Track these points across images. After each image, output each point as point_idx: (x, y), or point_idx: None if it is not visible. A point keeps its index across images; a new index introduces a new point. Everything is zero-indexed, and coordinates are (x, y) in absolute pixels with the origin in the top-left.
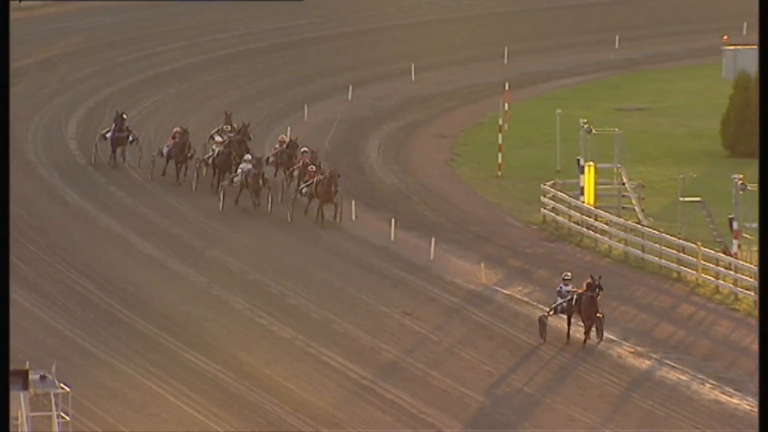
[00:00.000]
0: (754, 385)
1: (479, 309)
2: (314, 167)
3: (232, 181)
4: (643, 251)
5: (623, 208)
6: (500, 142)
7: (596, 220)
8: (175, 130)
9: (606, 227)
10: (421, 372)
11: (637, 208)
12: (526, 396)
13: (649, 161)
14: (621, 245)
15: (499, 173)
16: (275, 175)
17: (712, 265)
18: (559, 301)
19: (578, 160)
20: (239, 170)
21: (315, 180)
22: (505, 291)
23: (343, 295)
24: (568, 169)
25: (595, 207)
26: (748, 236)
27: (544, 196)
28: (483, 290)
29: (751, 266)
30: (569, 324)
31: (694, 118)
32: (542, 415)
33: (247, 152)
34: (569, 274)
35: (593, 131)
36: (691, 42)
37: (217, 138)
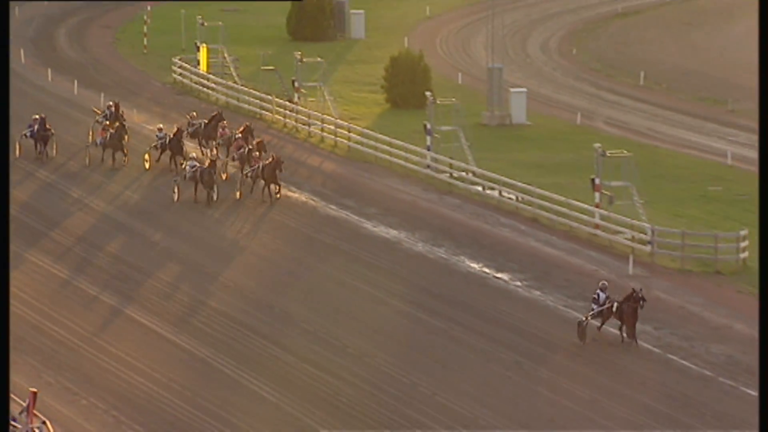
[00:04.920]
0: (309, 185)
1: (133, 137)
2: (258, 153)
3: (184, 177)
4: (239, 101)
5: (225, 73)
6: (145, 31)
7: (208, 81)
8: (105, 123)
9: (214, 86)
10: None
11: (234, 73)
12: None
13: (242, 43)
14: (224, 97)
15: (145, 51)
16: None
17: (281, 110)
18: (597, 308)
19: (196, 42)
20: (188, 167)
21: (260, 165)
22: (149, 126)
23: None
24: (189, 48)
25: (208, 72)
26: (303, 91)
27: (174, 65)
28: (135, 126)
29: (305, 110)
30: (602, 324)
31: (270, 15)
32: (231, 226)
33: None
34: (606, 283)
35: (205, 24)
36: None
37: (159, 126)
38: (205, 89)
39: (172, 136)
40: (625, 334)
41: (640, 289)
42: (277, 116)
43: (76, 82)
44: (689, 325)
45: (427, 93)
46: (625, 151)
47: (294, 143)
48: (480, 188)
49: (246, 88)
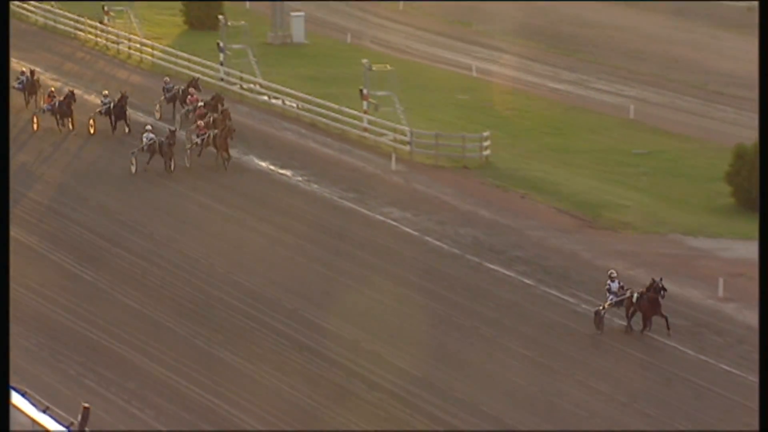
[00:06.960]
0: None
1: None
2: (202, 123)
3: (142, 149)
4: (56, 23)
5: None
6: None
7: (28, 4)
8: (50, 89)
9: (33, 9)
10: None
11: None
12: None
13: None
14: (42, 19)
15: None
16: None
17: (93, 30)
18: (613, 298)
19: None
20: (144, 139)
21: (211, 133)
22: None
23: None
24: None
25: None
26: (112, 14)
27: None
28: None
29: (114, 30)
30: (629, 318)
31: None
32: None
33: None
34: (614, 271)
35: None
36: None
37: (105, 92)
38: (25, 12)
39: (116, 101)
40: (632, 325)
41: (660, 279)
42: (89, 36)
43: None
44: (442, 212)
45: (220, 16)
46: (388, 66)
47: (105, 59)
48: (266, 98)
49: (60, 11)
